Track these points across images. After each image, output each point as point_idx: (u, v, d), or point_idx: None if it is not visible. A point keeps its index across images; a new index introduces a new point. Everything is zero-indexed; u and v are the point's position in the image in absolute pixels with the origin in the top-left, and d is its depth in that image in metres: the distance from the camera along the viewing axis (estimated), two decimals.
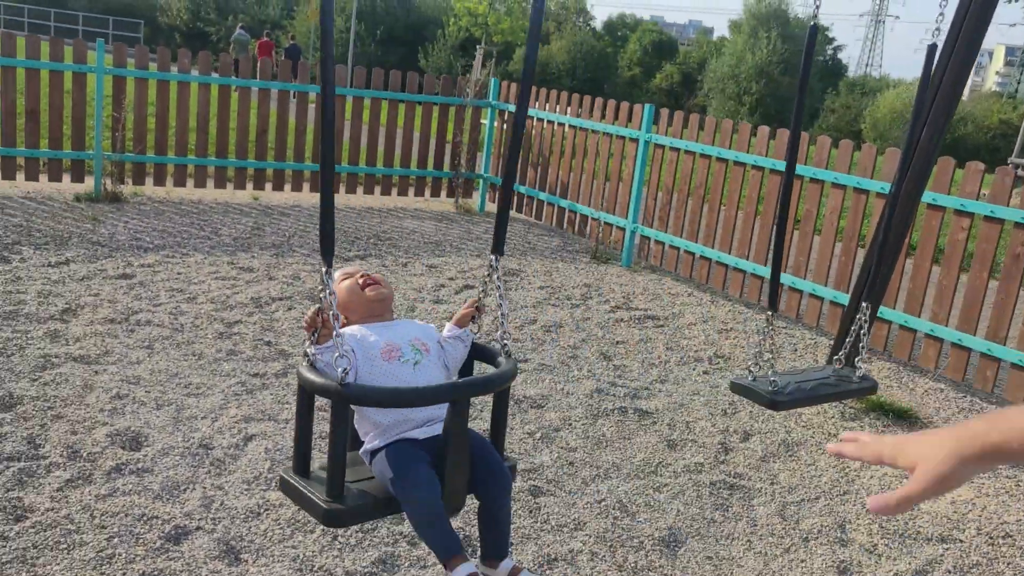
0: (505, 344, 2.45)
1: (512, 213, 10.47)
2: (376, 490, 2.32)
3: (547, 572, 3.43)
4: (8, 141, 8.60)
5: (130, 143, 9.00)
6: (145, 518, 3.43)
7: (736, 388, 3.26)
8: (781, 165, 7.01)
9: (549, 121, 9.69)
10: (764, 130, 7.35)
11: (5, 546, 3.15)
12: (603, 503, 3.96)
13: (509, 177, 2.34)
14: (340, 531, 3.50)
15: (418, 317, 6.15)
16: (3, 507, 3.37)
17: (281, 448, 4.08)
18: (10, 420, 4.03)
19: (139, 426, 4.13)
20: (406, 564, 3.35)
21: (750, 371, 3.21)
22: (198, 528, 3.41)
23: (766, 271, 7.07)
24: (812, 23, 2.88)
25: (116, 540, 3.27)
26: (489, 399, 2.55)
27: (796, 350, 6.53)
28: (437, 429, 2.37)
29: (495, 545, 2.42)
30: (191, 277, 6.45)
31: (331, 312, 2.08)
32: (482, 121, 10.79)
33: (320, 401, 2.92)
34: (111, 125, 8.92)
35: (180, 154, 9.27)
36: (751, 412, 5.18)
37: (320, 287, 2.10)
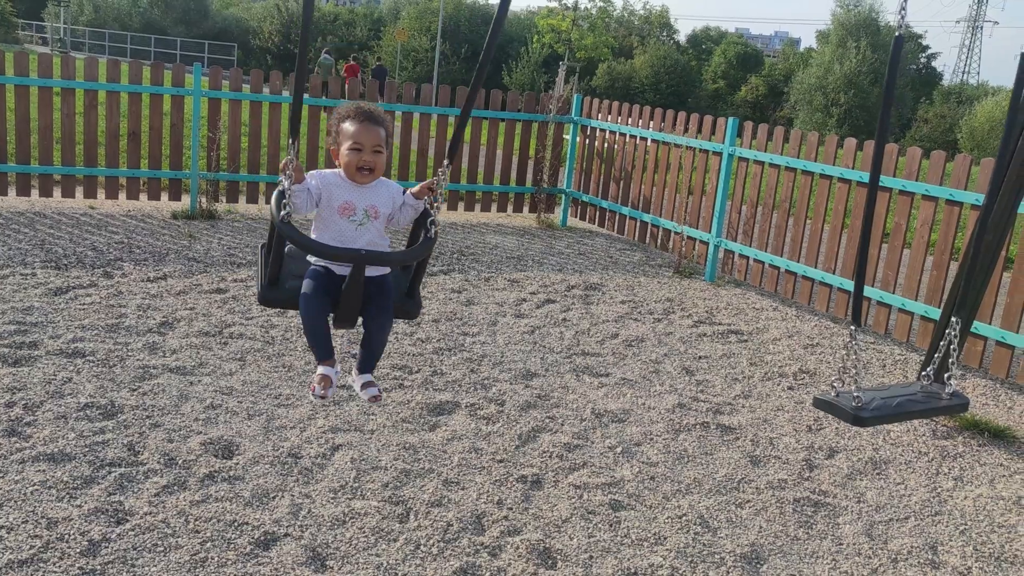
0: (431, 227, 2.96)
1: (594, 227, 10.51)
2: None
3: None
4: (111, 162, 9.02)
5: (224, 162, 9.34)
6: (236, 524, 3.56)
7: (819, 404, 3.20)
8: (868, 177, 6.86)
9: (631, 135, 9.69)
10: (851, 142, 7.21)
11: (107, 547, 3.31)
12: (684, 518, 3.94)
13: None
14: (423, 539, 3.56)
15: (499, 332, 6.22)
16: (105, 510, 3.54)
17: (367, 458, 4.18)
18: (112, 428, 4.23)
19: (231, 435, 4.28)
20: (487, 574, 3.39)
21: (833, 387, 3.15)
22: (286, 535, 3.52)
23: (853, 285, 6.90)
24: (897, 33, 2.83)
25: (209, 544, 3.40)
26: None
27: (884, 366, 6.37)
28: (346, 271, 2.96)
29: (363, 361, 3.11)
30: None
31: (294, 174, 2.75)
32: (564, 136, 10.84)
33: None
34: (207, 145, 9.27)
35: (272, 173, 9.56)
36: (837, 429, 5.08)
37: (284, 163, 2.72)
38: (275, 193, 2.80)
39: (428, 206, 3.03)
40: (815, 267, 7.41)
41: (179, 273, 6.89)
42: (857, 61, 46.19)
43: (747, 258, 8.15)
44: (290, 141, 2.67)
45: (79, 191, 9.06)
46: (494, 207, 10.67)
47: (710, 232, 8.45)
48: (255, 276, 3.35)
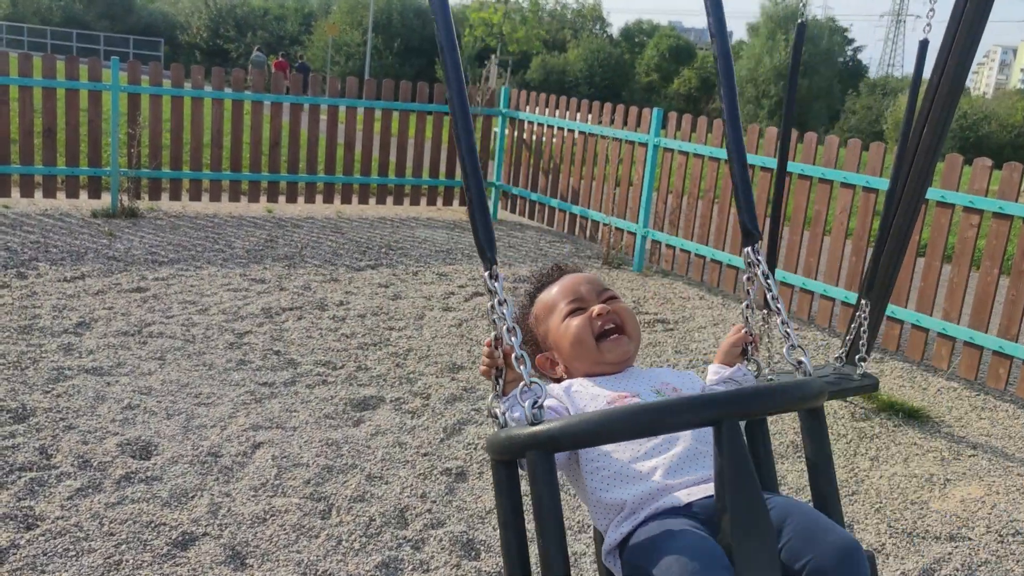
0: (801, 362, 1.69)
1: (524, 220, 10.53)
2: None
3: None
4: (26, 159, 8.75)
5: (146, 159, 9.13)
6: (153, 525, 3.48)
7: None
8: (790, 166, 6.99)
9: (559, 128, 9.73)
10: (772, 131, 7.34)
11: (16, 553, 3.21)
12: None
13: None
14: (345, 534, 3.53)
15: (426, 326, 6.20)
16: (14, 516, 3.43)
17: (288, 456, 4.12)
18: (23, 431, 4.10)
19: (149, 435, 4.19)
20: (409, 568, 3.37)
21: (755, 362, 3.21)
22: (205, 534, 3.46)
23: (779, 273, 7.05)
24: (800, 21, 2.89)
25: (124, 547, 3.32)
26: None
27: (808, 351, 6.50)
28: (709, 489, 1.58)
29: None
30: (204, 289, 6.53)
31: (512, 343, 1.50)
32: (493, 129, 10.84)
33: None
34: (127, 142, 9.05)
35: (195, 169, 9.39)
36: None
37: (489, 300, 1.53)
38: (493, 421, 1.56)
39: (750, 357, 1.97)
40: (739, 255, 7.52)
41: (98, 272, 6.72)
42: (786, 54, 47.08)
43: (673, 248, 8.26)
44: (490, 277, 1.56)
45: None
46: (423, 201, 10.62)
47: (637, 223, 8.53)
48: None
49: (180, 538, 3.41)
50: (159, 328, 5.60)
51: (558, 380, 1.87)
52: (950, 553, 3.82)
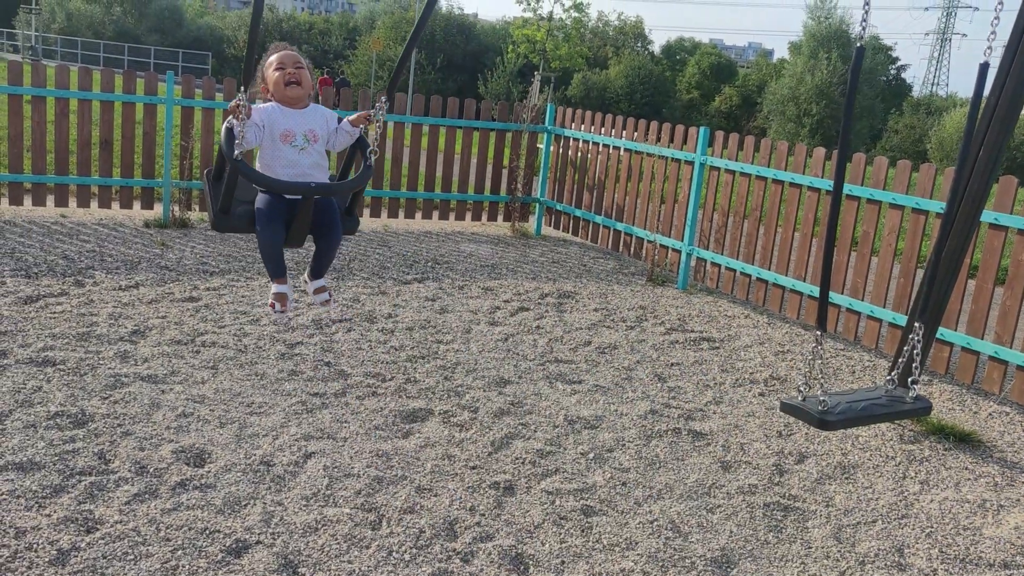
0: (368, 155, 3.42)
1: (568, 236, 10.56)
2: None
3: None
4: (83, 170, 8.96)
5: (197, 171, 9.31)
6: (208, 532, 3.55)
7: (786, 408, 3.25)
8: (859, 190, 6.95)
9: (605, 145, 9.76)
10: (820, 151, 7.31)
11: (78, 555, 3.30)
12: (655, 523, 3.98)
13: None
14: (396, 545, 3.57)
15: (473, 340, 6.24)
16: (75, 519, 3.52)
17: (339, 466, 4.18)
18: (82, 436, 4.20)
19: (203, 443, 4.27)
20: None
21: (800, 391, 3.21)
22: (258, 542, 3.52)
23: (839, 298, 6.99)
24: (859, 44, 2.89)
25: (180, 552, 3.39)
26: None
27: (854, 372, 6.45)
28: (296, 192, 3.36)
29: (315, 269, 3.65)
30: (255, 300, 6.64)
31: (243, 112, 3.04)
32: (538, 146, 10.90)
33: None
34: (179, 154, 9.24)
35: None
36: (807, 434, 5.14)
37: (234, 104, 3.03)
38: (224, 130, 3.12)
39: (364, 134, 3.52)
40: (786, 275, 7.49)
41: (151, 282, 6.86)
42: (828, 72, 46.72)
43: (719, 266, 8.23)
44: (241, 89, 2.99)
45: (50, 200, 9.00)
46: (468, 216, 10.70)
47: (682, 240, 8.53)
48: (207, 206, 3.53)
49: (234, 545, 3.48)
50: (212, 338, 5.70)
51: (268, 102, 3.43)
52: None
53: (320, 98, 14.10)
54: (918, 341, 3.44)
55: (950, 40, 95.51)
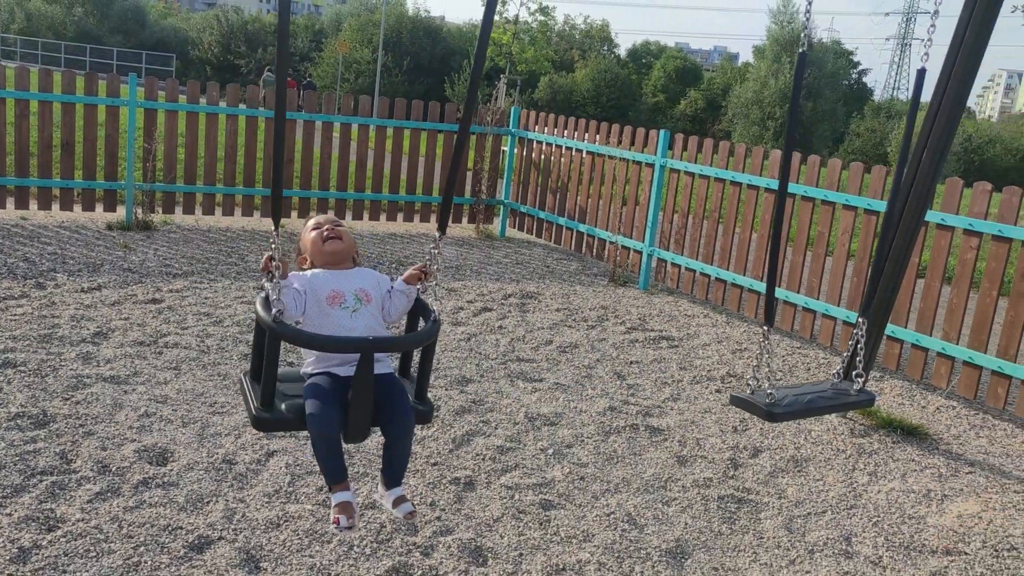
0: (433, 311, 2.87)
1: (532, 238, 10.65)
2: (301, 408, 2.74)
3: None
4: (44, 172, 8.91)
5: (160, 173, 9.29)
6: (170, 528, 3.59)
7: (735, 401, 3.37)
8: (793, 187, 7.12)
9: (568, 147, 9.87)
10: (776, 153, 7.47)
11: (39, 553, 3.33)
12: (612, 516, 4.08)
13: None
14: (356, 540, 3.64)
15: (439, 340, 6.30)
16: (36, 518, 3.55)
17: (301, 464, 4.23)
18: (43, 437, 4.22)
19: (166, 443, 4.31)
20: (418, 573, 3.48)
21: (749, 385, 3.32)
22: (220, 538, 3.57)
23: (781, 292, 7.16)
24: (800, 50, 3.01)
25: (142, 549, 3.44)
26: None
27: (809, 369, 6.61)
28: (351, 371, 2.69)
29: (390, 475, 2.84)
30: (217, 301, 6.66)
31: (276, 263, 2.57)
32: (503, 148, 10.98)
33: None
34: (142, 156, 9.22)
35: (208, 183, 9.54)
36: (761, 429, 5.27)
37: (266, 263, 2.60)
38: (259, 297, 2.62)
39: (421, 292, 2.91)
40: (744, 275, 7.64)
41: (114, 284, 6.85)
42: (791, 76, 47.28)
43: (679, 266, 8.37)
44: (274, 233, 2.52)
45: (10, 202, 8.93)
46: (433, 218, 10.76)
47: (643, 242, 8.66)
48: (242, 401, 3.24)
49: (196, 541, 3.52)
50: (174, 339, 5.73)
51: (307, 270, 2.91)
52: (946, 567, 3.91)
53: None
54: (861, 336, 3.57)
55: (910, 45, 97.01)
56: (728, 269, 7.82)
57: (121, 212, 9.17)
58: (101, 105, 9.00)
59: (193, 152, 9.34)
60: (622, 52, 65.44)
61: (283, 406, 2.70)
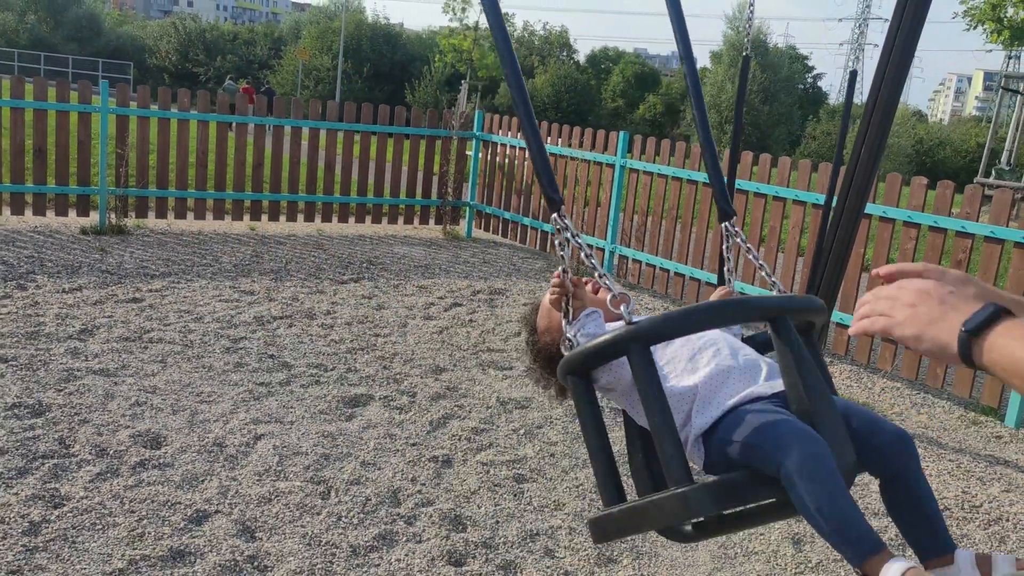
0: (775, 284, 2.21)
1: (498, 238, 10.97)
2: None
3: (530, 545, 3.85)
4: (17, 178, 9.06)
5: (133, 179, 9.46)
6: (169, 504, 3.84)
7: None
8: (746, 185, 7.51)
9: None
10: (727, 153, 7.85)
11: (48, 527, 3.56)
12: (581, 487, 4.39)
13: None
14: (344, 512, 3.92)
15: (410, 333, 6.60)
16: (42, 496, 3.78)
17: (288, 445, 4.50)
18: (41, 424, 4.45)
19: (158, 428, 4.55)
20: (403, 539, 3.76)
21: None
22: (217, 512, 3.82)
23: (738, 285, 7.53)
24: (744, 54, 3.35)
25: (145, 522, 3.68)
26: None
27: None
28: (778, 385, 1.83)
29: (933, 535, 1.75)
30: (197, 300, 6.88)
31: (570, 276, 1.86)
32: (467, 152, 11.29)
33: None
34: (114, 162, 9.39)
35: (180, 188, 9.73)
36: None
37: (559, 236, 1.87)
38: (567, 345, 1.88)
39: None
40: (701, 268, 8.02)
41: (94, 284, 7.05)
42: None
43: (640, 262, 8.74)
44: (556, 214, 1.89)
45: None
46: (401, 220, 11.04)
47: (606, 239, 9.01)
48: (595, 491, 2.35)
49: (195, 515, 3.78)
50: (158, 334, 5.95)
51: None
52: (886, 526, 4.28)
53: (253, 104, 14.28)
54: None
55: (863, 49, 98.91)
56: (686, 264, 8.19)
57: (95, 217, 9.33)
58: (73, 112, 9.16)
59: (165, 158, 9.53)
60: (581, 58, 66.08)
61: (727, 479, 1.77)
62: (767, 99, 47.52)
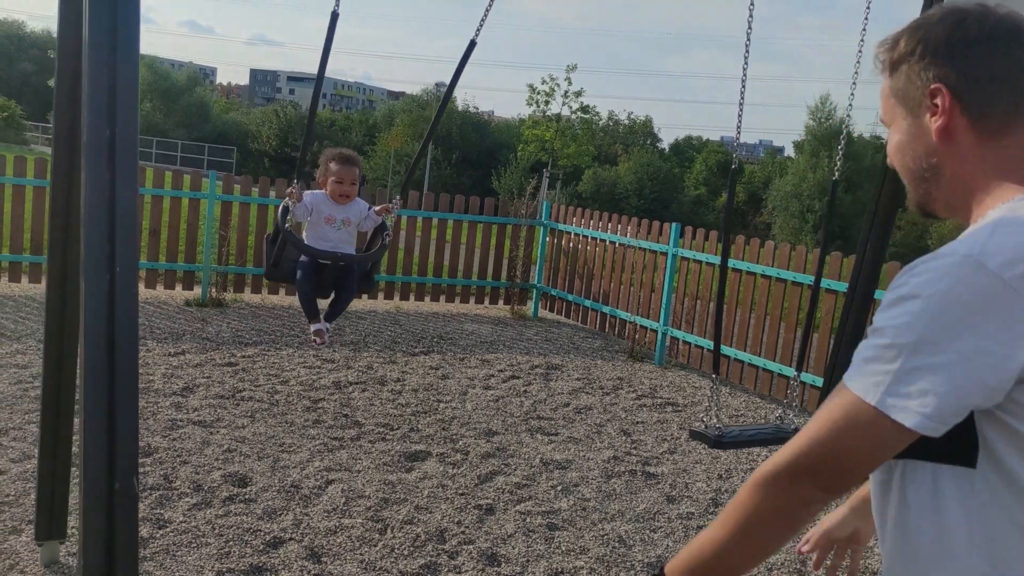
0: (385, 238, 5.10)
1: (561, 318, 11.69)
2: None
3: None
4: None
5: (232, 257, 10.54)
6: (251, 531, 4.59)
7: (692, 434, 4.31)
8: (786, 274, 8.09)
9: (593, 237, 10.98)
10: (769, 244, 8.47)
11: (154, 543, 4.34)
12: (606, 537, 4.98)
13: None
14: (397, 545, 4.60)
15: (469, 400, 7.32)
16: (150, 519, 4.58)
17: (354, 490, 5.22)
18: (150, 463, 5.28)
19: (245, 471, 5.33)
20: (445, 570, 4.42)
21: (703, 421, 4.27)
22: (291, 539, 4.55)
23: (776, 366, 8.06)
24: (733, 165, 4.05)
25: (231, 543, 4.43)
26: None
27: (768, 420, 7.46)
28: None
29: (328, 314, 5.23)
30: (284, 365, 7.75)
31: (296, 197, 4.65)
32: (536, 238, 12.12)
33: None
34: (217, 242, 10.50)
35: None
36: (744, 477, 6.15)
37: (290, 191, 4.66)
38: (280, 208, 4.59)
39: (385, 221, 5.05)
40: (744, 351, 8.56)
41: (195, 350, 8.00)
42: (829, 170, 48.34)
43: (689, 344, 9.32)
44: (295, 181, 4.61)
45: None
46: (472, 299, 11.87)
47: (659, 321, 9.63)
48: (263, 261, 5.23)
49: (272, 540, 4.51)
50: (249, 393, 6.81)
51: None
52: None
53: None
54: (796, 384, 4.50)
55: None
56: (731, 346, 8.75)
57: (198, 290, 10.41)
58: (185, 198, 10.33)
59: (261, 239, 10.59)
60: (665, 146, 67.35)
61: (284, 266, 4.87)
62: (849, 188, 47.55)
